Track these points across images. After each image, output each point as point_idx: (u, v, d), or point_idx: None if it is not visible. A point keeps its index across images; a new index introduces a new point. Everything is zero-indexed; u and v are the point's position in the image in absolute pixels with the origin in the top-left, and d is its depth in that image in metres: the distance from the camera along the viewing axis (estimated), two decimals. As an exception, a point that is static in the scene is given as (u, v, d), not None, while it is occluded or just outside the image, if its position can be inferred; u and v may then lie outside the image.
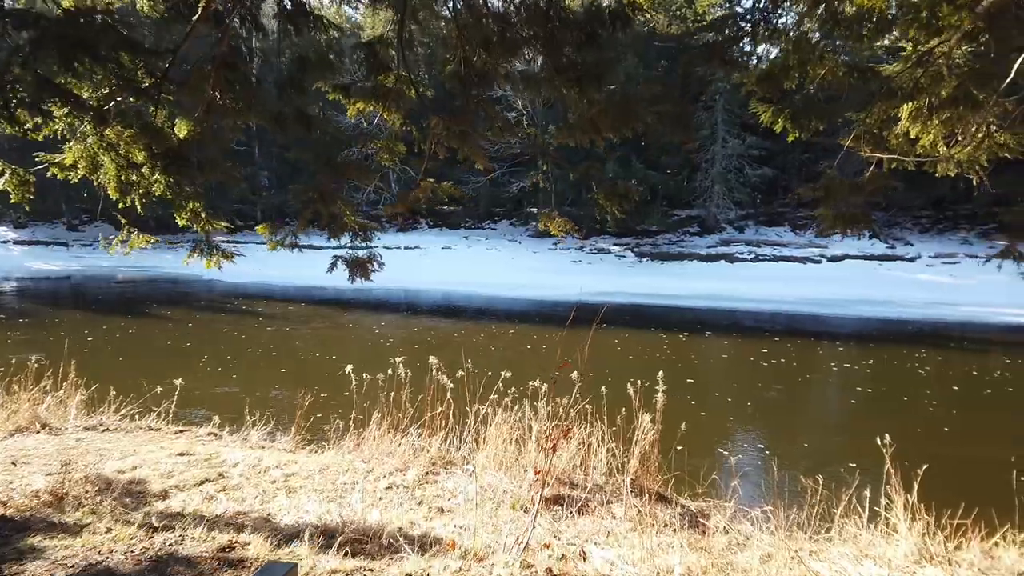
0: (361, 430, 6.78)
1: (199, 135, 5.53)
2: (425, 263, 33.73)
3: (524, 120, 35.91)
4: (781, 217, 35.40)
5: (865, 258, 30.84)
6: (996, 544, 4.67)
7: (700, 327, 20.76)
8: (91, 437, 6.65)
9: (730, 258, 31.90)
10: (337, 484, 5.36)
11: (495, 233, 37.78)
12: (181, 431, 7.01)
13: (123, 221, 5.99)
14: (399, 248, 35.49)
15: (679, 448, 6.33)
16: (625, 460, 6.07)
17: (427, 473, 5.85)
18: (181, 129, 5.54)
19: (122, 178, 5.35)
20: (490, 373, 6.57)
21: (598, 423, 6.31)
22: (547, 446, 4.38)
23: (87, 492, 4.72)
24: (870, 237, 32.97)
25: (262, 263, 34.59)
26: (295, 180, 37.83)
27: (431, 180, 7.04)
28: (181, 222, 6.05)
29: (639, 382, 5.96)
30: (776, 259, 31.49)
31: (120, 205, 5.58)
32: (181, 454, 5.89)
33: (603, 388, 6.43)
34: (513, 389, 6.31)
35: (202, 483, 5.20)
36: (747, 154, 33.67)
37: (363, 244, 6.80)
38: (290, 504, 4.80)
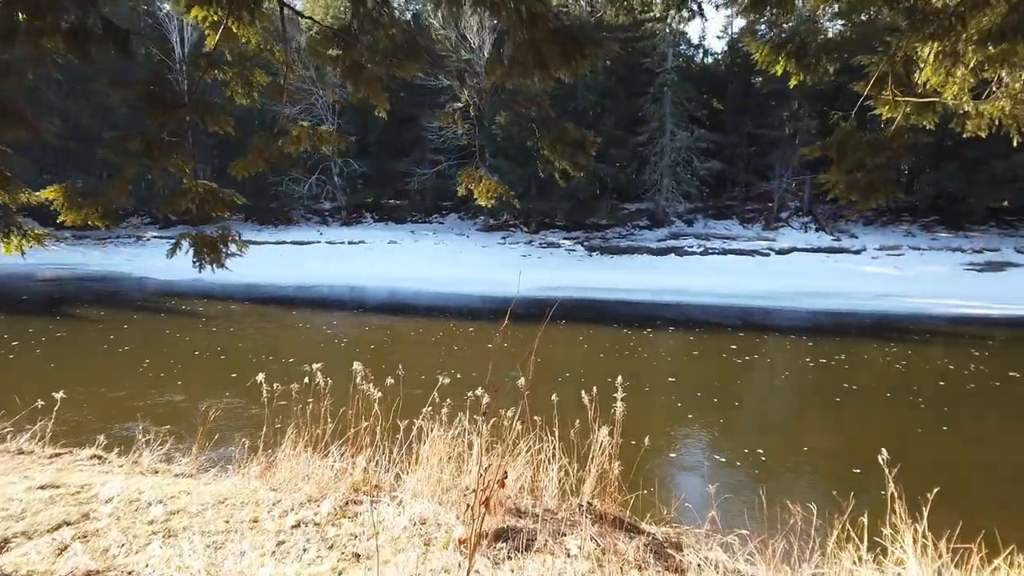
0: (274, 449, 5.80)
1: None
2: (370, 258, 32.50)
3: (471, 109, 34.96)
4: (729, 210, 35.33)
5: (812, 250, 30.91)
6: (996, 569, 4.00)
7: (653, 322, 20.22)
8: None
9: (680, 251, 31.59)
10: (232, 523, 4.38)
11: (443, 227, 36.75)
12: (57, 454, 5.90)
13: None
14: (343, 243, 34.13)
15: (643, 463, 5.54)
16: (581, 479, 5.27)
17: (347, 503, 4.91)
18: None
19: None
20: (424, 377, 5.68)
21: (548, 436, 5.47)
22: (479, 495, 3.52)
23: None
24: (816, 230, 33.14)
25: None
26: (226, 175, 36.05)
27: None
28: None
29: (594, 388, 5.15)
30: (725, 252, 31.31)
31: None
32: (44, 487, 4.81)
33: (554, 395, 5.58)
34: (449, 401, 5.44)
35: (59, 527, 4.16)
36: (695, 147, 33.41)
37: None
38: (162, 556, 3.81)
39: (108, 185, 4.90)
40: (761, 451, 9.33)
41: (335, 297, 27.84)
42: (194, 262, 5.18)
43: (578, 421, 5.37)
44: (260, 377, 5.57)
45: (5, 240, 4.72)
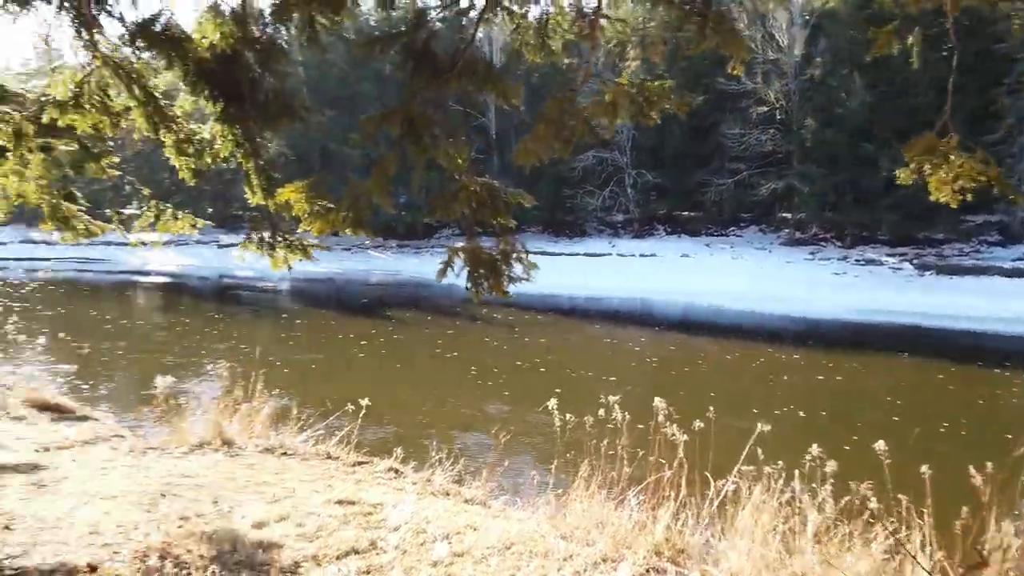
0: (566, 488, 5.18)
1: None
2: (662, 271, 31.59)
3: (776, 112, 32.27)
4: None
5: None
6: None
7: (1015, 360, 16.28)
8: (263, 463, 5.83)
9: (1045, 273, 25.57)
10: (517, 578, 3.80)
11: (740, 240, 34.46)
12: (360, 463, 5.96)
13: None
14: (634, 256, 33.71)
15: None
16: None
17: (647, 571, 4.07)
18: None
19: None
20: (739, 416, 4.66)
21: (914, 518, 4.07)
22: None
23: (200, 558, 3.64)
24: None
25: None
26: (531, 189, 37.78)
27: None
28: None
29: (987, 459, 3.70)
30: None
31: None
32: (341, 502, 4.72)
33: (924, 467, 4.11)
34: (779, 461, 4.34)
35: (346, 555, 3.94)
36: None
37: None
38: (441, 615, 3.32)
39: (359, 186, 4.27)
40: None
41: (626, 310, 27.43)
42: (467, 286, 4.17)
43: (963, 507, 3.88)
44: (552, 404, 5.02)
45: (271, 254, 4.67)
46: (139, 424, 9.57)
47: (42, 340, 9.61)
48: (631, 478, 4.93)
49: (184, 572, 3.50)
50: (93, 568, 3.43)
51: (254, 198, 4.52)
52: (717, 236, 35.17)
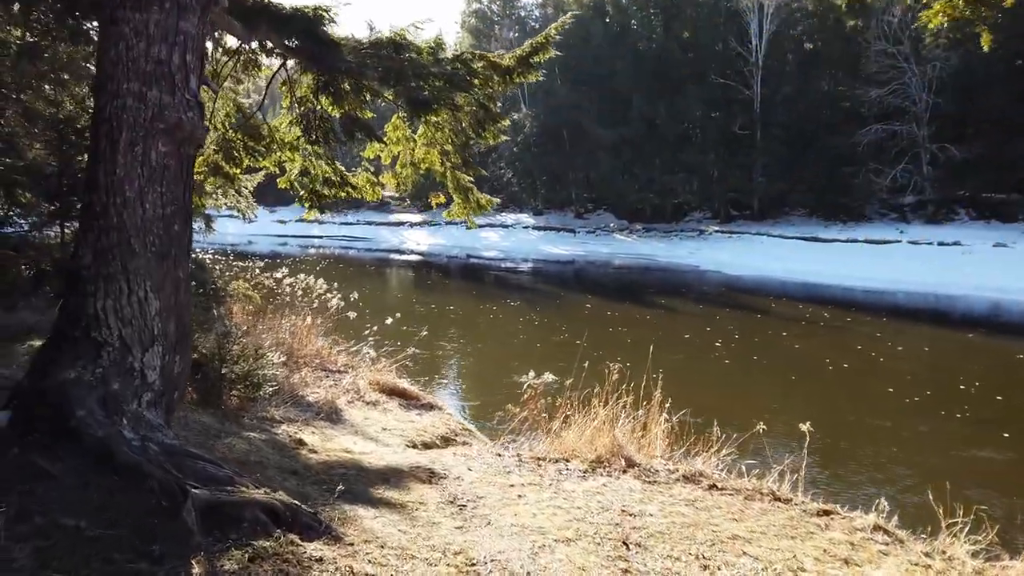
0: None
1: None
2: (965, 263, 26.83)
3: None
4: None
5: None
6: None
7: None
8: (701, 499, 4.61)
9: None
10: None
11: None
12: (826, 512, 4.51)
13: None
14: (930, 244, 29.03)
15: None
16: None
17: None
18: None
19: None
20: None
21: None
22: None
23: None
24: None
25: (763, 256, 32.14)
26: (795, 168, 34.12)
27: None
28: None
29: None
30: None
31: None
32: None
33: None
34: None
35: None
36: None
37: None
38: None
39: None
40: None
41: (912, 306, 23.52)
42: None
43: None
44: None
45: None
46: (476, 418, 9.07)
47: (351, 316, 9.30)
48: None
49: None
50: None
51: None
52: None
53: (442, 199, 6.53)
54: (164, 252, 3.71)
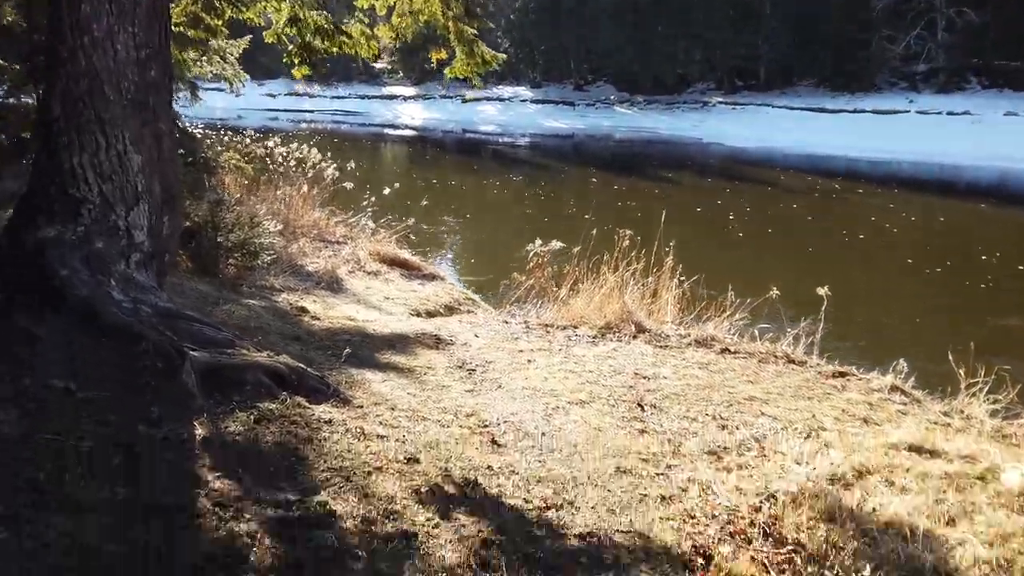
0: None
1: None
2: (975, 133, 26.08)
3: None
4: None
5: None
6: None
7: None
8: (715, 362, 4.51)
9: None
10: None
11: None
12: (841, 374, 4.42)
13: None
14: (939, 113, 28.10)
15: None
16: None
17: None
18: None
19: None
20: None
21: None
22: None
23: (836, 550, 2.32)
24: None
25: (768, 127, 31.18)
26: (805, 37, 32.37)
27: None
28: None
29: None
30: None
31: None
32: (913, 449, 3.21)
33: None
34: None
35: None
36: None
37: None
38: None
39: None
40: None
41: (917, 176, 23.08)
42: None
43: None
44: None
45: None
46: (480, 288, 8.89)
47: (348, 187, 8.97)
48: None
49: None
50: (708, 558, 2.23)
51: None
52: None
53: (443, 54, 6.02)
54: (141, 100, 3.37)
